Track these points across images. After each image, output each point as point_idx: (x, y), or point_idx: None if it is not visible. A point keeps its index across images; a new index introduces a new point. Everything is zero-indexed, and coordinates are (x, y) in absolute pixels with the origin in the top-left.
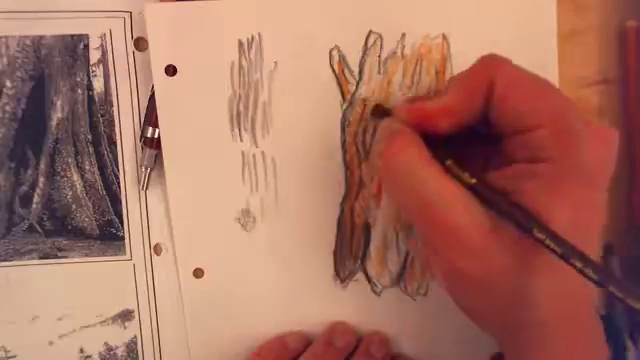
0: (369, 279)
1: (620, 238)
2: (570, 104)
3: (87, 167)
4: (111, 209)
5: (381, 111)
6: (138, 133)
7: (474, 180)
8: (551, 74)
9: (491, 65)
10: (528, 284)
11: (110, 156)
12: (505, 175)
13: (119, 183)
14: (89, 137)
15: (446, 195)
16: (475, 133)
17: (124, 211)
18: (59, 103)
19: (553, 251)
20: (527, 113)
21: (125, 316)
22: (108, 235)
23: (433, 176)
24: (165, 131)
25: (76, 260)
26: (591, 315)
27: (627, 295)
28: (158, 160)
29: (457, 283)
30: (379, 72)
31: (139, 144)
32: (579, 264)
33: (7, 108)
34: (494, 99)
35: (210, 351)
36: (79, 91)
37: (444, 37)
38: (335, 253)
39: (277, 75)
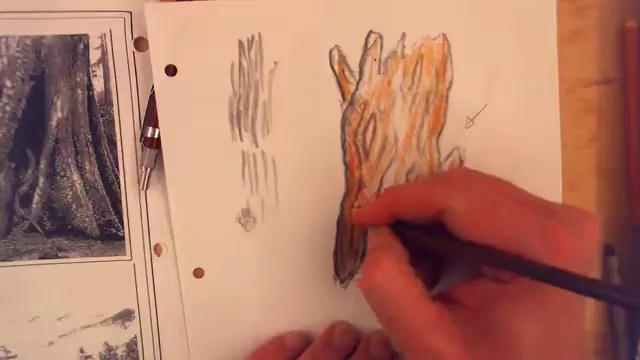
0: None
1: (620, 238)
2: (528, 214)
3: (87, 167)
4: (111, 209)
5: None
6: (138, 133)
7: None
8: (551, 74)
9: (448, 190)
10: None
11: (110, 156)
12: (474, 291)
13: (119, 183)
14: (89, 137)
15: (423, 321)
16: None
17: (124, 211)
18: (59, 103)
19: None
20: (481, 241)
21: (125, 316)
22: (108, 235)
23: (410, 298)
24: (165, 131)
25: (76, 260)
26: None
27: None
28: (158, 160)
29: None
30: (379, 72)
31: (139, 144)
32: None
33: (7, 108)
34: (447, 224)
35: (210, 351)
36: (79, 91)
37: (444, 37)
38: (335, 253)
39: (277, 75)
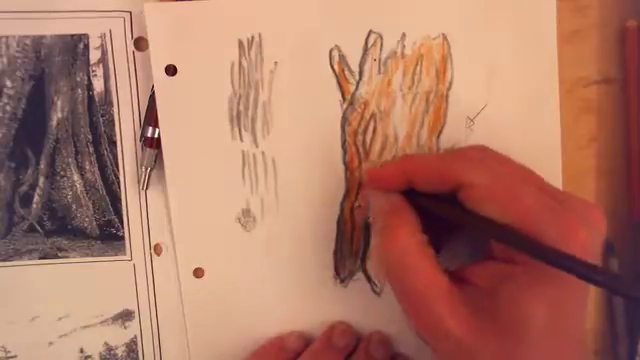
0: (369, 279)
1: (620, 238)
2: (545, 199)
3: (87, 167)
4: (111, 209)
5: None
6: (138, 133)
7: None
8: (551, 74)
9: (465, 165)
10: None
11: (110, 156)
12: (484, 272)
13: (119, 183)
14: (89, 137)
15: (433, 290)
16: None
17: (124, 211)
18: (59, 103)
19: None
20: (498, 219)
21: (125, 316)
22: (108, 235)
23: (424, 269)
24: (165, 131)
25: (76, 260)
26: None
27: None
28: (158, 160)
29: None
30: (379, 72)
31: (139, 144)
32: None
33: (7, 108)
34: (464, 199)
35: (210, 351)
36: (79, 91)
37: (444, 37)
38: (335, 253)
39: (277, 75)
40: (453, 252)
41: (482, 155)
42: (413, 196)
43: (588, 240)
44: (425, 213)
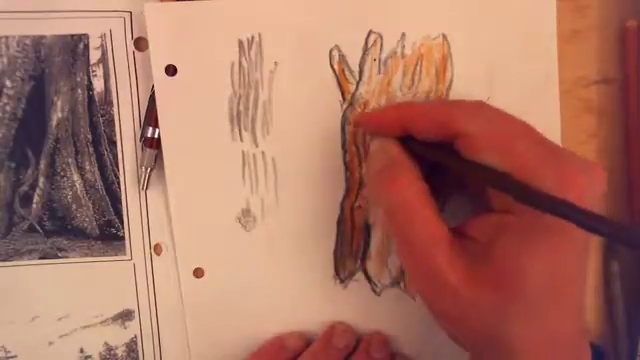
0: (369, 279)
1: None
2: (544, 153)
3: (87, 167)
4: (111, 209)
5: None
6: (138, 133)
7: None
8: (551, 74)
9: (462, 112)
10: (506, 329)
11: (110, 156)
12: (482, 224)
13: (119, 183)
14: (89, 137)
15: (434, 239)
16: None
17: (124, 211)
18: (59, 103)
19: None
20: (495, 167)
21: (125, 316)
22: (108, 235)
23: (426, 218)
24: (165, 131)
25: (76, 260)
26: (576, 354)
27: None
28: (158, 160)
29: (433, 312)
30: (379, 72)
31: (139, 144)
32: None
33: (7, 108)
34: (461, 147)
35: (210, 351)
36: (79, 91)
37: (444, 37)
38: (335, 253)
39: (277, 75)
40: (449, 213)
41: (480, 105)
42: (409, 144)
43: (588, 189)
44: (422, 168)
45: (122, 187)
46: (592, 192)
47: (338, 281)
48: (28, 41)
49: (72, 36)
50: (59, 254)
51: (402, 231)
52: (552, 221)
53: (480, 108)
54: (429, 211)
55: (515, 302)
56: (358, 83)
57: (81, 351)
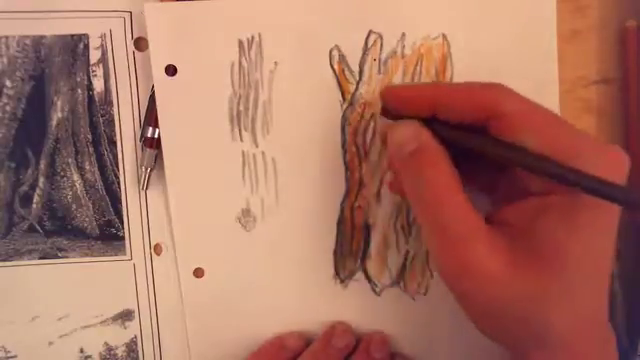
0: (369, 279)
1: (619, 237)
2: (578, 133)
3: (87, 167)
4: (111, 209)
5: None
6: (138, 133)
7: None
8: (551, 74)
9: (500, 93)
10: (542, 313)
11: (110, 156)
12: (518, 210)
13: (119, 183)
14: (89, 137)
15: (464, 229)
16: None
17: (124, 211)
18: (59, 103)
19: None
20: (536, 148)
21: (125, 316)
22: (108, 235)
23: (460, 205)
24: (165, 131)
25: (76, 260)
26: (605, 337)
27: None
28: (158, 160)
29: (469, 308)
30: (379, 72)
31: (139, 144)
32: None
33: (7, 108)
34: (498, 128)
35: (210, 351)
36: (79, 91)
37: (444, 37)
38: (335, 253)
39: (277, 75)
40: (489, 190)
41: (510, 89)
42: (435, 126)
43: (625, 172)
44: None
45: (122, 187)
46: (626, 172)
47: (338, 281)
48: (28, 41)
49: (72, 36)
50: (59, 254)
51: (435, 219)
52: (589, 200)
53: (512, 90)
54: (463, 198)
55: (557, 282)
56: (358, 83)
57: (81, 351)
